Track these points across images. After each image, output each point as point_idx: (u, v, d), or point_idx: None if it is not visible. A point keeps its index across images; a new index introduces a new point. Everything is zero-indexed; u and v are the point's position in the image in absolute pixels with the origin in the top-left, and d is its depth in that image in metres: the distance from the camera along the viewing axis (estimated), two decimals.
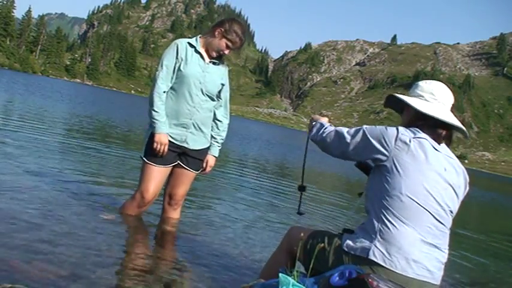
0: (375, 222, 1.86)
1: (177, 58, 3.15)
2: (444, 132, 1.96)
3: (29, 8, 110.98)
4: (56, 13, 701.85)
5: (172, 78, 3.17)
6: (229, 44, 3.18)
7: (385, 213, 1.84)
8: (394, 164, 1.85)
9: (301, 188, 2.41)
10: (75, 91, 42.02)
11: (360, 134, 1.97)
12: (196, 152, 3.33)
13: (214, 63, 3.26)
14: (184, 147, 3.26)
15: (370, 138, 1.92)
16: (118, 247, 2.91)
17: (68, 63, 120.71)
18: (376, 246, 1.80)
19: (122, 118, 17.89)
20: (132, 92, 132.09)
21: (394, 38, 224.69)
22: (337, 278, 1.75)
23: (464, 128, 2.00)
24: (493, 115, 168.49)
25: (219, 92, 3.33)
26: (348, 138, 2.00)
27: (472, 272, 4.62)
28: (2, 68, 72.17)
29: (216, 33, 3.18)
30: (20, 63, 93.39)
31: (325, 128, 2.15)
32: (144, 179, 3.23)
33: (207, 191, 5.68)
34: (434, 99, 2.00)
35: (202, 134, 3.31)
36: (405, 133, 1.89)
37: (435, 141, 1.92)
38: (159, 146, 3.12)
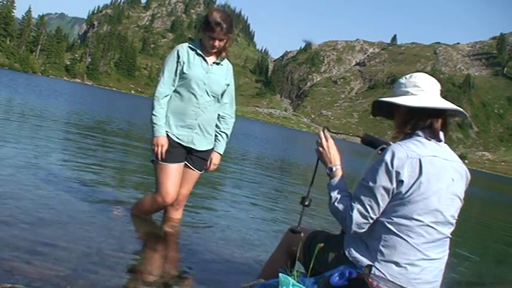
0: (378, 241, 1.81)
1: (178, 62, 3.18)
2: (440, 121, 1.88)
3: (29, 8, 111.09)
4: (56, 13, 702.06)
5: (175, 81, 3.19)
6: (212, 35, 3.10)
7: (390, 234, 1.79)
8: (406, 190, 1.76)
9: (307, 202, 2.12)
10: (75, 91, 42.01)
11: (375, 192, 1.79)
12: (202, 152, 3.34)
13: (217, 64, 3.28)
14: (190, 148, 3.28)
15: (388, 185, 1.77)
16: (118, 247, 2.91)
17: (68, 63, 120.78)
18: (376, 268, 1.78)
19: (123, 117, 17.89)
20: (132, 92, 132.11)
21: (394, 38, 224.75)
22: (337, 278, 1.74)
23: (461, 109, 1.91)
24: (493, 115, 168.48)
25: (224, 91, 3.35)
26: (369, 209, 1.81)
27: (472, 272, 4.62)
28: (2, 68, 72.16)
29: (202, 31, 3.19)
30: (20, 63, 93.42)
31: (335, 206, 1.92)
32: (161, 181, 3.21)
33: (208, 191, 5.68)
34: (421, 90, 1.91)
35: (207, 135, 3.33)
36: (412, 153, 1.77)
37: (434, 137, 1.85)
38: (156, 148, 3.15)
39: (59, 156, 5.93)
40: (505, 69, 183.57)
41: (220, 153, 3.46)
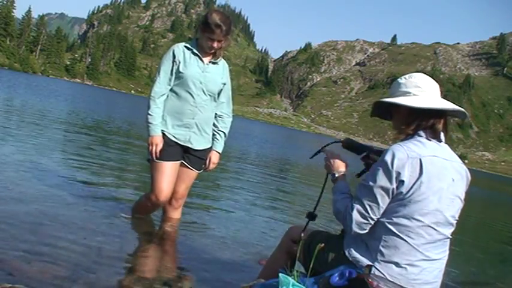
0: (378, 241, 1.81)
1: (174, 61, 3.18)
2: (442, 122, 1.88)
3: (29, 8, 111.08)
4: (56, 13, 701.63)
5: (171, 80, 3.20)
6: (211, 36, 3.11)
7: (390, 235, 1.79)
8: (407, 190, 1.75)
9: (311, 216, 2.17)
10: (75, 91, 42.01)
11: (375, 192, 1.79)
12: (200, 151, 3.35)
13: (213, 63, 3.28)
14: (188, 147, 3.28)
15: (388, 185, 1.77)
16: (118, 247, 2.91)
17: (68, 63, 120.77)
18: (376, 268, 1.78)
19: (123, 117, 17.89)
20: (132, 92, 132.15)
21: (394, 38, 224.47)
22: (337, 278, 1.75)
23: (462, 109, 1.91)
24: (493, 115, 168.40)
25: (221, 90, 3.35)
26: (368, 209, 1.81)
27: (472, 271, 4.62)
28: (2, 68, 72.17)
29: (200, 31, 3.19)
30: (20, 63, 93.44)
31: (336, 207, 1.95)
32: (156, 179, 3.22)
33: (207, 191, 5.68)
34: (422, 91, 1.90)
35: (205, 134, 3.33)
36: (412, 153, 1.77)
37: (435, 137, 1.85)
38: (150, 147, 3.16)
39: (58, 156, 5.93)
40: (505, 69, 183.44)
41: (219, 152, 3.46)
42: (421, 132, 1.84)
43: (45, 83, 43.83)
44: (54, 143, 7.17)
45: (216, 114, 3.40)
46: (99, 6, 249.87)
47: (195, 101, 3.20)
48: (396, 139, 1.92)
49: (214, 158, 3.44)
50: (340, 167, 2.09)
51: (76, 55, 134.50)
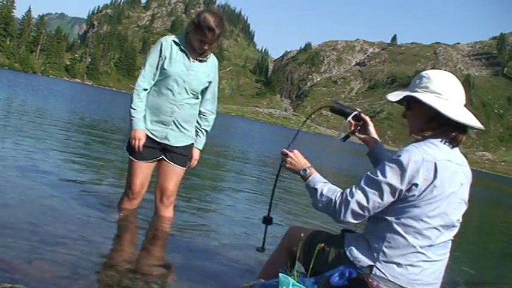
0: (381, 241, 1.80)
1: (160, 56, 3.17)
2: (464, 137, 1.85)
3: (29, 8, 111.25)
4: (56, 13, 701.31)
5: (155, 75, 3.19)
6: (203, 39, 3.08)
7: (395, 235, 1.78)
8: (420, 192, 1.74)
9: (267, 221, 2.17)
10: (75, 91, 41.99)
11: (382, 186, 1.75)
12: (180, 148, 3.34)
13: (200, 61, 3.25)
14: (165, 143, 3.28)
15: (398, 185, 1.74)
16: (117, 247, 2.92)
17: (68, 63, 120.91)
18: (378, 268, 1.78)
19: (122, 116, 17.88)
20: None
21: (394, 38, 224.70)
22: (337, 278, 1.75)
23: (483, 128, 1.88)
24: (493, 115, 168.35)
25: (206, 88, 3.34)
26: (370, 201, 1.77)
27: (472, 272, 4.61)
28: (2, 68, 72.16)
29: (192, 30, 3.15)
30: (20, 63, 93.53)
31: (324, 196, 1.88)
32: (129, 174, 3.34)
33: (206, 190, 5.67)
34: (453, 97, 1.82)
35: (184, 131, 3.32)
36: (428, 156, 1.73)
37: (452, 143, 1.82)
38: (133, 141, 3.17)
39: (57, 155, 5.92)
40: (505, 69, 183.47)
41: (200, 149, 3.53)
42: (439, 137, 1.82)
43: (45, 83, 43.81)
44: (53, 142, 7.16)
45: (200, 111, 3.40)
46: (99, 6, 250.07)
47: (175, 98, 3.19)
48: (414, 138, 1.89)
49: (196, 154, 3.51)
50: (306, 161, 2.05)
51: (76, 55, 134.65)
